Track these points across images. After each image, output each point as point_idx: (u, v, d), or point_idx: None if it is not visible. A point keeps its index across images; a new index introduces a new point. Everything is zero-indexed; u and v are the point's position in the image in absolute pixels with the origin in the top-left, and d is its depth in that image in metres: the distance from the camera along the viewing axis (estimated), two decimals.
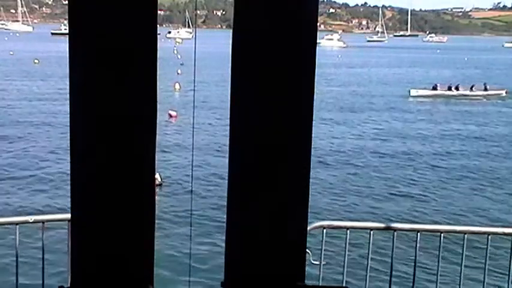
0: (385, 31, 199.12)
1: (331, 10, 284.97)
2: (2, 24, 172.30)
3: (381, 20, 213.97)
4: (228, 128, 2.01)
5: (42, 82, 48.41)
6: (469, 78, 59.00)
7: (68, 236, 3.36)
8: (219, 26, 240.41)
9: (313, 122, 2.02)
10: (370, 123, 33.71)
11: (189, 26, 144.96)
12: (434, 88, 45.41)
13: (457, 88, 45.57)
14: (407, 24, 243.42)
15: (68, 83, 1.97)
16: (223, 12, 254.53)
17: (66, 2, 1.97)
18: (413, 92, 45.08)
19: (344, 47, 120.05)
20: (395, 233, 5.06)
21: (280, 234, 2.05)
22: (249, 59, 1.99)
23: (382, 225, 6.15)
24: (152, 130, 2.00)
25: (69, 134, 1.98)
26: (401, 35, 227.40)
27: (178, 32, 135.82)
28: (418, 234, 5.03)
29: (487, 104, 43.00)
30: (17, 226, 4.72)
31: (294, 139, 2.03)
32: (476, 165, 23.88)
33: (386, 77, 60.96)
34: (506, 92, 46.97)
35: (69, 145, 2.00)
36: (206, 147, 23.99)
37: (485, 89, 46.15)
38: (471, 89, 45.81)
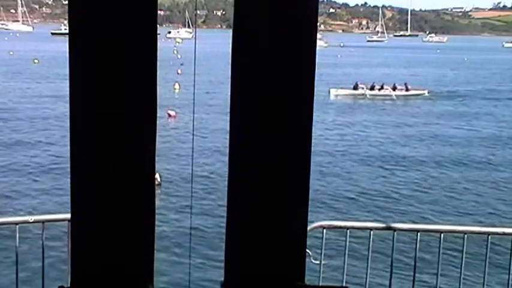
0: (385, 31, 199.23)
1: (331, 10, 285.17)
2: (2, 24, 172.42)
3: (381, 20, 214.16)
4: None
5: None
6: (451, 78, 58.96)
7: (68, 236, 3.36)
8: (219, 26, 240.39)
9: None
10: None
11: (189, 26, 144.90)
12: (355, 87, 44.41)
13: (381, 88, 44.68)
14: (407, 24, 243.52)
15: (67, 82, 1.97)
16: (223, 12, 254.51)
17: (66, 2, 1.97)
18: (332, 92, 43.98)
19: (325, 47, 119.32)
20: (395, 233, 5.06)
21: (280, 234, 2.05)
22: (249, 59, 1.99)
23: (382, 225, 6.14)
24: (152, 130, 2.00)
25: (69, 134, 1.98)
26: (401, 35, 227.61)
27: (178, 32, 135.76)
28: (418, 234, 5.02)
29: (396, 105, 42.12)
30: (17, 226, 4.72)
31: (294, 139, 2.02)
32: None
33: (343, 77, 58.15)
34: (428, 92, 46.55)
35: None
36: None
37: (407, 89, 45.59)
38: (393, 89, 44.93)
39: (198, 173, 20.61)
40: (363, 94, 44.14)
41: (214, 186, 19.48)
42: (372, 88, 44.64)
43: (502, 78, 65.29)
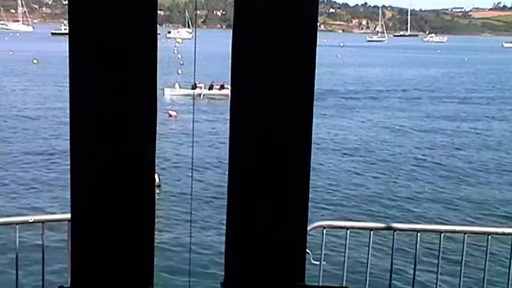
0: (385, 31, 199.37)
1: (331, 10, 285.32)
2: (2, 24, 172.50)
3: (381, 20, 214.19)
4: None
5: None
6: (436, 77, 57.82)
7: (68, 236, 3.36)
8: (219, 26, 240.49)
9: None
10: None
11: (189, 26, 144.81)
12: (194, 87, 40.36)
13: (221, 87, 40.63)
14: (407, 24, 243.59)
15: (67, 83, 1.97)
16: (223, 12, 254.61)
17: (66, 2, 1.97)
18: (167, 92, 40.67)
19: None
20: (395, 233, 5.06)
21: (280, 234, 2.05)
22: (249, 58, 1.99)
23: (382, 225, 6.15)
24: (152, 130, 2.00)
25: (69, 134, 1.98)
26: (401, 35, 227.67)
27: (178, 32, 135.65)
28: (418, 234, 5.03)
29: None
30: (17, 226, 4.72)
31: (294, 139, 2.03)
32: None
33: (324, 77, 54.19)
34: None
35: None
36: None
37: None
38: (221, 88, 41.06)
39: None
40: (199, 94, 40.70)
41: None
42: (211, 88, 41.32)
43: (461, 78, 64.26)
